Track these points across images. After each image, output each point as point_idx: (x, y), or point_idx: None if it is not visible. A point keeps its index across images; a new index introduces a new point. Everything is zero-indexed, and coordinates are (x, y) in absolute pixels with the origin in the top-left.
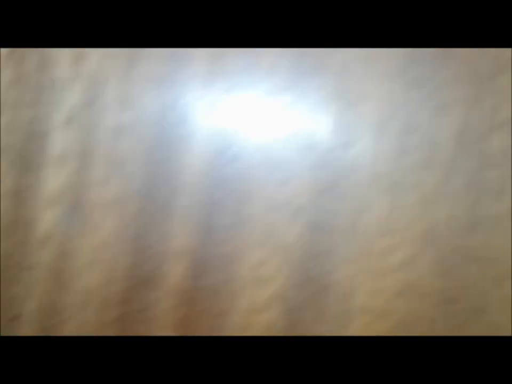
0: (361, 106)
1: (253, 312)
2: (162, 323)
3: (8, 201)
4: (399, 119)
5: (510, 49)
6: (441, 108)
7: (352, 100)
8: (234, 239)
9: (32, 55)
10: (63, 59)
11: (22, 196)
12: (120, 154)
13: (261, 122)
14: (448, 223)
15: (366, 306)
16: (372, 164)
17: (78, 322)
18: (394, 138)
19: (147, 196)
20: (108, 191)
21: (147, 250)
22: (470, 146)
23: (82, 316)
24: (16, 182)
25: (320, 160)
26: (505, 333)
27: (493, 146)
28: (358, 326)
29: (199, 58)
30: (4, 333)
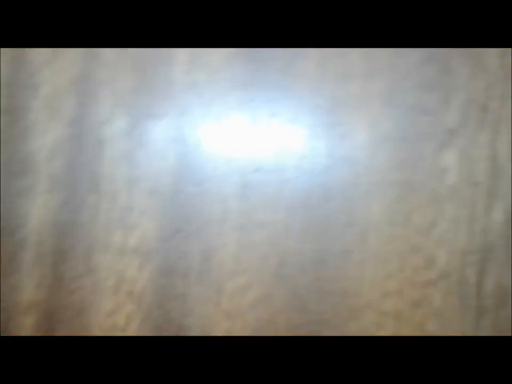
0: (205, 147)
1: None
2: None
3: None
4: (244, 158)
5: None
6: (280, 144)
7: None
8: (85, 288)
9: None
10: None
11: None
12: None
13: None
14: (298, 258)
15: None
16: (219, 204)
17: None
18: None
19: None
20: None
21: None
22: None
23: None
24: None
25: (166, 204)
26: None
27: (335, 180)
28: None
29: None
30: None
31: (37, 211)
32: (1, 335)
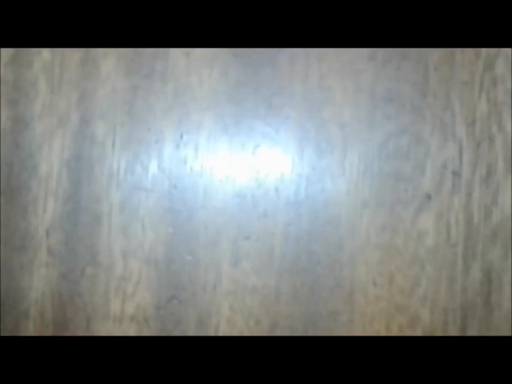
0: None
1: None
2: None
3: None
4: (234, 226)
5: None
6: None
7: None
8: None
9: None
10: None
11: None
12: None
13: None
14: (289, 321)
15: None
16: (208, 272)
17: None
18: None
19: None
20: None
21: None
22: None
23: None
24: None
25: (161, 273)
26: None
27: (314, 245)
28: None
29: None
30: None
31: (38, 284)
32: None
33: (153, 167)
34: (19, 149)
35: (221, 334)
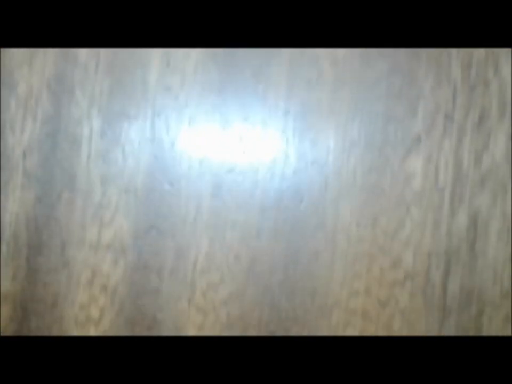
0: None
1: None
2: None
3: None
4: (217, 159)
5: None
6: (253, 148)
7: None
8: (59, 281)
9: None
10: None
11: None
12: None
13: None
14: (270, 257)
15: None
16: (189, 204)
17: None
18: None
19: None
20: None
21: None
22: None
23: None
24: None
25: (140, 202)
26: None
27: (306, 183)
28: None
29: None
30: None
31: (12, 206)
32: None
33: (137, 94)
34: None
35: (199, 267)
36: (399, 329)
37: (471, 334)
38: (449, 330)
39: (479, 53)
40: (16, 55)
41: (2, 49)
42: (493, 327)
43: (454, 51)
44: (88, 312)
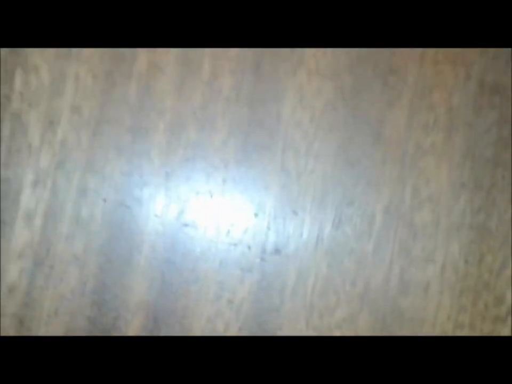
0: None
1: None
2: None
3: None
4: (338, 192)
5: None
6: (372, 185)
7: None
8: (189, 294)
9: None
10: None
11: None
12: (83, 214)
13: (211, 191)
14: (382, 286)
15: None
16: (314, 231)
17: None
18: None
19: (108, 253)
20: (71, 247)
21: (107, 303)
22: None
23: None
24: None
25: (267, 225)
26: None
27: (420, 219)
28: None
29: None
30: None
31: (153, 224)
32: (108, 327)
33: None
34: None
35: (316, 290)
36: None
37: None
38: None
39: None
40: (165, 82)
41: None
42: None
43: None
44: (213, 326)
